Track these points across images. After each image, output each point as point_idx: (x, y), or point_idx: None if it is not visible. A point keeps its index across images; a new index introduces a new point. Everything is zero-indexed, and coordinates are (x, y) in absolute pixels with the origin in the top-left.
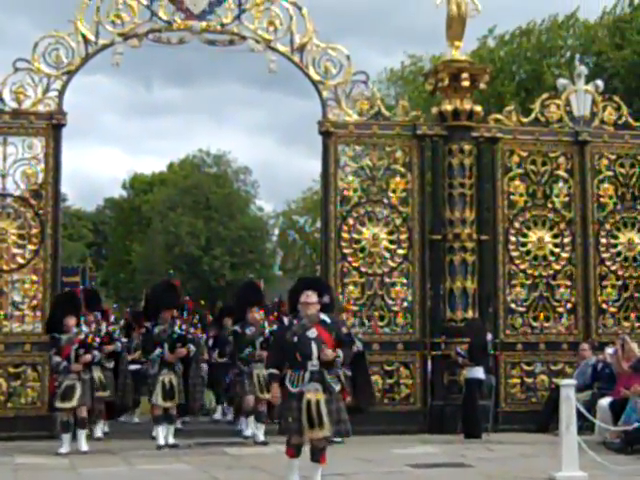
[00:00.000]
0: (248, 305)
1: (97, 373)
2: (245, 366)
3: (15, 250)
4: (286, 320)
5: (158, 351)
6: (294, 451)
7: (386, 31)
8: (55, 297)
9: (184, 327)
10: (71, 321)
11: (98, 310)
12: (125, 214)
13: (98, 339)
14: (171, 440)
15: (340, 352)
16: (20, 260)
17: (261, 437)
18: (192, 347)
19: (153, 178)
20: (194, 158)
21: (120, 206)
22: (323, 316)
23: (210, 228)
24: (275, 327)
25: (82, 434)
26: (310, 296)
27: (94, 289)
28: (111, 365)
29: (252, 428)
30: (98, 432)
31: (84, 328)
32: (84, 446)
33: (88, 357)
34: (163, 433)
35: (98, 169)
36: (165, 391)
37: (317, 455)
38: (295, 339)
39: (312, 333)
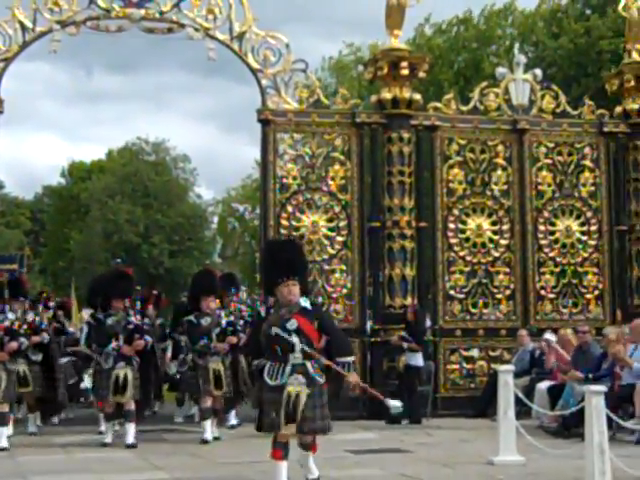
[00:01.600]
0: (203, 294)
1: (22, 367)
2: (200, 359)
3: None
4: (262, 310)
5: (114, 343)
6: (281, 452)
7: (329, 19)
8: None
9: (139, 317)
10: None
11: (24, 297)
12: (64, 202)
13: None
14: (130, 440)
15: (332, 341)
16: None
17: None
18: (149, 339)
19: (92, 166)
20: (133, 146)
21: (59, 194)
22: (304, 302)
23: (149, 216)
24: (232, 318)
25: (3, 430)
26: (292, 285)
27: (18, 276)
28: (38, 358)
29: (213, 431)
30: (31, 427)
31: (9, 315)
32: (3, 442)
33: (14, 344)
34: (112, 430)
35: (37, 157)
36: (118, 386)
37: (307, 446)
38: (273, 332)
39: (292, 324)
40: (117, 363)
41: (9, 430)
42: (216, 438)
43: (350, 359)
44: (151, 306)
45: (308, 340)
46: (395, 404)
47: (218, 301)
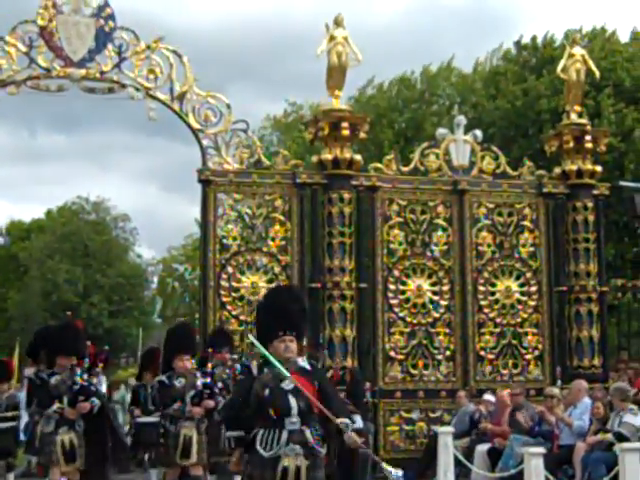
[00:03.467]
0: (176, 352)
1: None
2: (171, 425)
3: None
4: (254, 367)
5: (56, 406)
6: None
7: (273, 78)
8: None
9: (85, 377)
10: None
11: None
12: (2, 261)
13: None
14: None
15: (333, 404)
16: None
17: None
18: (96, 401)
19: (31, 225)
20: (73, 205)
21: None
22: (301, 362)
23: (88, 275)
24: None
25: None
26: (289, 341)
27: None
28: None
29: None
30: None
31: None
32: None
33: None
34: None
35: None
36: (66, 453)
37: None
38: (267, 392)
39: (288, 384)
40: (59, 428)
41: None
42: None
43: (349, 421)
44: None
45: (307, 403)
46: (395, 472)
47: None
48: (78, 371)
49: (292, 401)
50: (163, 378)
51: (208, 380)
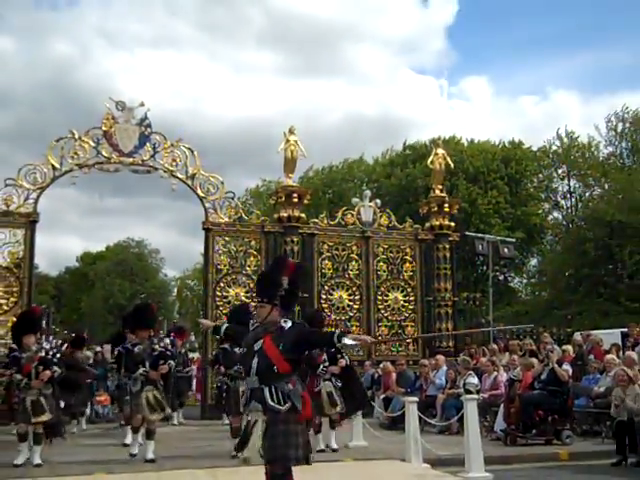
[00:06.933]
0: (136, 327)
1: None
2: (232, 382)
3: (1, 301)
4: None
5: (141, 369)
6: None
7: (253, 164)
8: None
9: (162, 344)
10: (30, 339)
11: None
12: (77, 278)
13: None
14: (150, 456)
15: (315, 339)
16: (5, 307)
17: (150, 455)
18: (172, 363)
19: (97, 255)
20: (124, 242)
21: (74, 272)
22: (285, 322)
23: (133, 287)
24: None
25: (38, 449)
26: (260, 307)
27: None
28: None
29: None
30: (37, 459)
31: (46, 345)
32: (37, 459)
33: (47, 373)
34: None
35: (60, 248)
36: (151, 405)
37: (275, 477)
38: (243, 351)
39: (258, 345)
40: (145, 386)
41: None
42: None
43: (334, 337)
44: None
45: (267, 363)
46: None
47: None
48: (155, 340)
49: (254, 361)
50: (226, 346)
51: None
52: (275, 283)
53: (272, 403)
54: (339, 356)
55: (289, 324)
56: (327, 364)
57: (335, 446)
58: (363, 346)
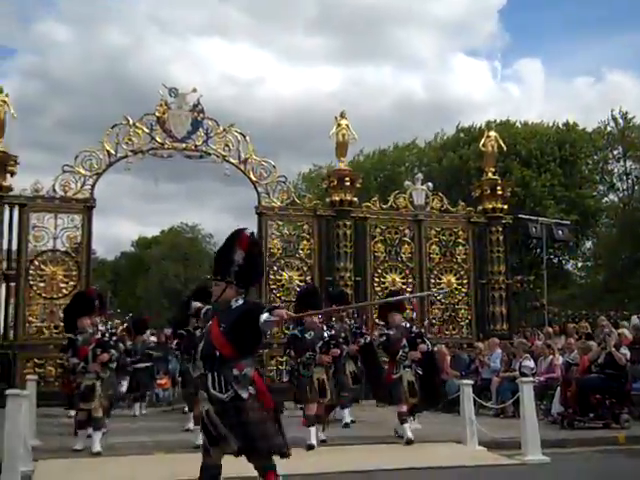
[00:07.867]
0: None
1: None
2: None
3: (61, 285)
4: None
5: (308, 354)
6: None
7: (305, 148)
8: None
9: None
10: (85, 321)
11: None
12: (133, 262)
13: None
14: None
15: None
16: (64, 292)
17: (97, 447)
18: (346, 348)
19: (152, 239)
20: (178, 227)
21: (130, 257)
22: (237, 301)
23: (187, 271)
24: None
25: (97, 435)
26: (214, 285)
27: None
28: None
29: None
30: (96, 446)
31: (101, 327)
32: (97, 446)
33: (105, 356)
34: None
35: (117, 233)
36: (320, 389)
37: (260, 474)
38: (200, 333)
39: (206, 327)
40: (315, 368)
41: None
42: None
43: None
44: None
45: (210, 347)
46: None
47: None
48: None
49: (200, 345)
50: (296, 332)
51: (333, 332)
52: (228, 259)
53: (213, 391)
54: (419, 340)
55: (239, 302)
56: (407, 349)
57: (410, 435)
58: (279, 323)
